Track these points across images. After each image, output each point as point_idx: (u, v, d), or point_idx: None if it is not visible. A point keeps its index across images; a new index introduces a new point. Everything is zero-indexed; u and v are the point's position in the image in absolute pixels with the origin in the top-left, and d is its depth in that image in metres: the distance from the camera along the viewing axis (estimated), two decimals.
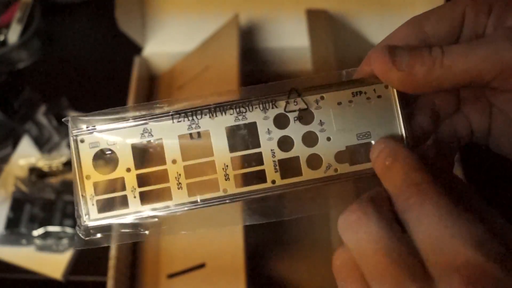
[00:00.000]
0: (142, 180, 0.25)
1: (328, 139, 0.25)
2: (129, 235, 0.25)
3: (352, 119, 0.25)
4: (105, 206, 0.25)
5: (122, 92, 0.68)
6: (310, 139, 0.25)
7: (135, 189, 0.25)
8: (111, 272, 0.52)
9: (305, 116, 0.25)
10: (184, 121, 0.25)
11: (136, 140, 0.25)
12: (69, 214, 0.62)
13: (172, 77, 0.71)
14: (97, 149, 0.25)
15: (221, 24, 0.65)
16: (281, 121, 0.25)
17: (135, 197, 0.25)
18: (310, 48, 0.59)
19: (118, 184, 0.25)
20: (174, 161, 0.25)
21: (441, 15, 0.24)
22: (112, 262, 0.52)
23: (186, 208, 0.25)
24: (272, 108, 0.25)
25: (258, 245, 0.54)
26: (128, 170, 0.25)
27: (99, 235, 0.25)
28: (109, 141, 0.25)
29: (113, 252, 0.53)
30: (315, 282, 0.55)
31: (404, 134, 0.25)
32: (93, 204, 0.25)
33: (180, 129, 0.25)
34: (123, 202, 0.25)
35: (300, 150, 0.25)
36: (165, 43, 0.70)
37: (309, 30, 0.61)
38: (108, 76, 0.76)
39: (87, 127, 0.25)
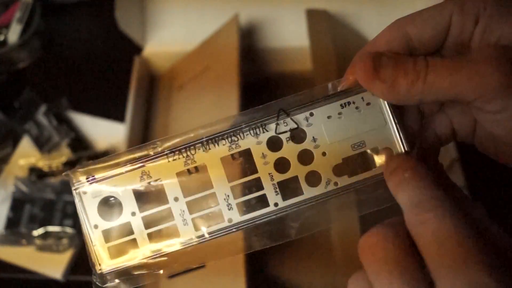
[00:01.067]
0: (148, 221, 0.26)
1: (324, 154, 0.25)
2: (144, 277, 0.26)
3: (344, 131, 0.25)
4: (117, 251, 0.26)
5: (122, 92, 0.68)
6: (305, 157, 0.25)
7: (142, 231, 0.25)
8: None
9: (297, 135, 0.25)
10: (179, 158, 0.25)
11: (136, 184, 0.26)
12: (69, 214, 0.62)
13: (172, 77, 0.71)
14: (100, 198, 0.26)
15: (221, 24, 0.65)
16: (274, 144, 0.25)
17: (144, 238, 0.25)
18: (310, 48, 0.59)
19: (126, 228, 0.26)
20: (176, 199, 0.25)
21: (426, 19, 0.24)
22: None
23: (194, 243, 0.25)
24: (263, 132, 0.25)
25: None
26: (133, 214, 0.26)
27: (116, 281, 0.26)
28: (111, 189, 0.26)
29: None
30: (315, 282, 0.55)
31: (400, 138, 0.25)
32: (104, 252, 0.26)
33: (177, 166, 0.25)
34: (133, 245, 0.26)
35: (297, 170, 0.25)
36: (165, 43, 0.70)
37: (309, 30, 0.61)
38: (108, 76, 0.76)
39: (87, 178, 0.26)
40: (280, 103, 0.25)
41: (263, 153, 0.25)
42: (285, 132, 0.25)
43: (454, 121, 0.26)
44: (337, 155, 0.25)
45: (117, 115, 0.69)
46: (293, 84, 0.71)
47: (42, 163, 0.66)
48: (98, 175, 0.26)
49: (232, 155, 0.25)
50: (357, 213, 0.26)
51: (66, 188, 0.64)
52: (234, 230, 0.25)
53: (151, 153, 0.26)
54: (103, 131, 0.70)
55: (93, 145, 0.69)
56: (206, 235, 0.25)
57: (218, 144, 0.25)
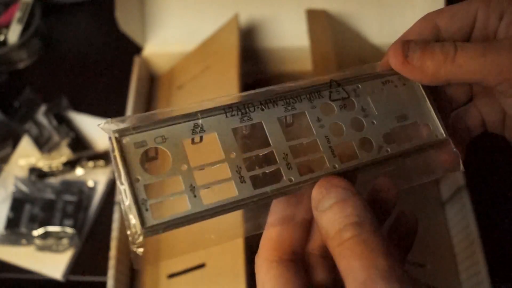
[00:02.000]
0: (199, 177, 0.23)
1: (373, 123, 0.26)
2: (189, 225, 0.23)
3: (388, 104, 0.27)
4: (161, 209, 0.22)
5: (122, 92, 0.68)
6: (357, 124, 0.26)
7: (193, 187, 0.22)
8: (111, 272, 0.52)
9: (348, 104, 0.26)
10: (236, 114, 0.24)
11: (187, 136, 0.23)
12: (69, 214, 0.62)
13: (172, 77, 0.71)
14: (144, 149, 0.22)
15: (221, 24, 0.65)
16: (327, 110, 0.26)
17: (195, 196, 0.22)
18: (310, 48, 0.59)
19: (173, 184, 0.23)
20: (232, 155, 0.23)
21: (454, 13, 0.26)
22: (112, 262, 0.52)
23: (255, 200, 0.23)
24: (318, 98, 0.26)
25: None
26: (184, 168, 0.23)
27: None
28: (158, 139, 0.23)
29: (113, 252, 0.53)
30: None
31: (435, 116, 0.27)
32: (146, 210, 0.22)
33: (233, 122, 0.24)
34: (181, 202, 0.22)
35: (351, 135, 0.26)
36: (165, 43, 0.70)
37: (309, 30, 0.61)
38: (108, 76, 0.76)
39: (130, 128, 0.23)
40: (328, 76, 0.27)
41: (318, 117, 0.25)
42: (338, 100, 0.26)
43: (483, 111, 0.28)
44: (386, 124, 0.26)
45: (117, 115, 0.69)
46: None
47: (42, 163, 0.66)
48: (144, 126, 0.23)
49: (285, 117, 0.25)
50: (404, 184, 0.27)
51: (66, 188, 0.64)
52: (294, 190, 0.24)
53: (206, 107, 0.24)
54: (103, 131, 0.70)
55: (93, 145, 0.69)
56: (269, 192, 0.23)
57: (276, 105, 0.25)
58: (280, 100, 0.25)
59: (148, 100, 0.71)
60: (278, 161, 0.24)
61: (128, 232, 0.21)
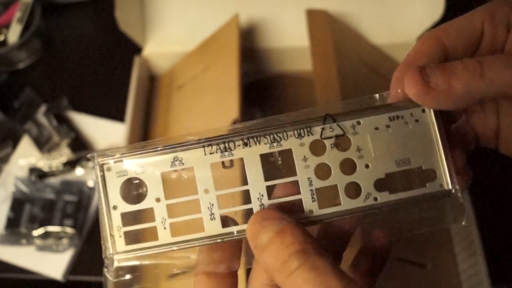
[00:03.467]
0: (172, 211, 0.24)
1: (367, 166, 0.24)
2: (157, 272, 0.25)
3: (390, 145, 0.24)
4: (134, 238, 0.24)
5: (122, 92, 0.68)
6: (347, 167, 0.24)
7: (165, 220, 0.24)
8: None
9: (342, 143, 0.24)
10: (216, 149, 0.24)
11: (166, 168, 0.24)
12: (69, 214, 0.62)
13: (172, 77, 0.71)
14: (124, 178, 0.24)
15: (221, 24, 0.65)
16: (317, 148, 0.24)
17: (165, 228, 0.24)
18: (310, 48, 0.59)
19: (146, 215, 0.24)
20: (206, 191, 0.24)
21: (460, 30, 0.24)
22: None
23: (219, 240, 0.23)
24: (308, 135, 0.24)
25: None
26: (158, 200, 0.24)
27: (128, 276, 0.24)
28: (138, 170, 0.24)
29: None
30: None
31: (444, 162, 0.24)
32: (120, 236, 0.23)
33: (213, 157, 0.24)
34: (152, 233, 0.24)
35: (338, 178, 0.24)
36: (165, 43, 0.70)
37: (309, 30, 0.61)
38: (108, 76, 0.76)
39: (114, 157, 0.24)
40: (325, 108, 0.24)
41: (304, 156, 0.24)
42: (331, 137, 0.24)
43: (477, 125, 0.27)
44: (381, 169, 0.24)
45: (117, 115, 0.69)
46: (293, 84, 0.71)
47: (42, 163, 0.66)
48: (126, 155, 0.24)
49: (271, 153, 0.24)
50: (394, 235, 0.26)
51: (66, 188, 0.64)
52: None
53: (187, 140, 0.24)
54: (103, 131, 0.70)
55: (93, 145, 0.69)
56: (235, 234, 0.23)
57: (259, 141, 0.24)
58: (264, 137, 0.24)
59: (148, 100, 0.71)
60: (252, 202, 0.24)
61: (104, 256, 0.23)
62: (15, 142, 0.70)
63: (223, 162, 0.24)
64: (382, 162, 0.24)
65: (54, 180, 0.65)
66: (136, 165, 0.24)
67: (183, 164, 0.24)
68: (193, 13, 0.70)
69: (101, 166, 0.24)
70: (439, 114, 0.24)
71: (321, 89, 0.55)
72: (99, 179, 0.24)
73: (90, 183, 0.65)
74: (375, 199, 0.24)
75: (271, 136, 0.24)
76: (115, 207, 0.24)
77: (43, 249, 0.60)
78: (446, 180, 0.24)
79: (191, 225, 0.24)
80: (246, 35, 0.68)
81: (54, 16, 0.83)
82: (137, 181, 0.24)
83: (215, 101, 0.59)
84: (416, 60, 0.24)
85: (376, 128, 0.24)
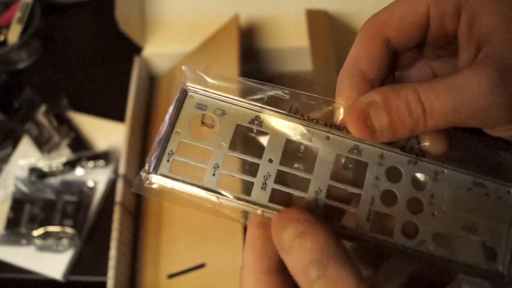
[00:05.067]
0: (229, 162, 0.23)
1: (433, 214, 0.23)
2: (190, 203, 0.23)
3: (464, 207, 0.23)
4: (182, 169, 0.23)
5: (122, 92, 0.68)
6: (415, 206, 0.23)
7: (218, 167, 0.23)
8: (111, 272, 0.52)
9: (419, 182, 0.23)
10: (299, 126, 0.23)
11: (244, 122, 0.23)
12: (69, 214, 0.62)
13: (172, 77, 0.71)
14: (201, 112, 0.24)
15: (221, 24, 0.65)
16: (392, 174, 0.23)
17: (214, 175, 0.23)
18: (310, 48, 0.59)
19: (204, 154, 0.23)
20: (270, 160, 0.23)
21: (401, 19, 0.22)
22: (112, 262, 0.52)
23: (259, 211, 0.23)
24: (391, 158, 0.23)
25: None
26: (221, 146, 0.23)
27: (156, 186, 0.23)
28: (217, 111, 0.23)
29: (113, 252, 0.53)
30: None
31: (509, 248, 0.23)
32: (168, 161, 0.23)
33: (292, 133, 0.23)
34: (199, 174, 0.23)
35: (400, 212, 0.23)
36: (165, 43, 0.70)
37: (309, 30, 0.61)
38: (108, 76, 0.76)
39: (203, 89, 0.23)
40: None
41: (377, 176, 0.23)
42: (410, 172, 0.23)
43: (435, 67, 0.25)
44: (446, 224, 0.23)
45: (117, 115, 0.69)
46: (293, 84, 0.71)
47: (42, 163, 0.66)
48: (214, 93, 0.23)
49: (346, 157, 0.24)
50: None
51: (66, 188, 0.64)
52: None
53: (277, 106, 0.23)
54: (103, 131, 0.70)
55: (93, 145, 0.69)
56: (275, 211, 0.22)
57: (342, 139, 0.23)
58: (350, 139, 0.23)
59: (148, 100, 0.71)
60: (308, 192, 0.23)
61: (146, 166, 0.23)
62: (15, 142, 0.70)
63: (300, 143, 0.23)
64: (450, 219, 0.23)
65: (54, 180, 0.65)
66: (218, 106, 0.24)
67: (261, 126, 0.23)
68: (193, 13, 0.70)
69: (185, 91, 0.24)
70: None
71: (321, 89, 0.55)
72: (178, 100, 0.23)
73: (90, 183, 0.65)
74: (428, 249, 0.23)
75: (356, 143, 0.23)
76: (177, 133, 0.23)
77: (43, 249, 0.60)
78: (504, 265, 0.23)
79: (238, 185, 0.23)
80: (246, 35, 0.68)
81: (54, 16, 0.83)
82: (210, 123, 0.24)
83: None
84: (357, 67, 0.23)
85: (458, 185, 0.23)
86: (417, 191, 0.23)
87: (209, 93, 0.24)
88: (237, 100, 0.24)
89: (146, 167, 0.23)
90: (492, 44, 0.21)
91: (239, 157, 0.23)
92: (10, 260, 0.60)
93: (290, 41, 0.67)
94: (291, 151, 0.24)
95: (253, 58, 0.70)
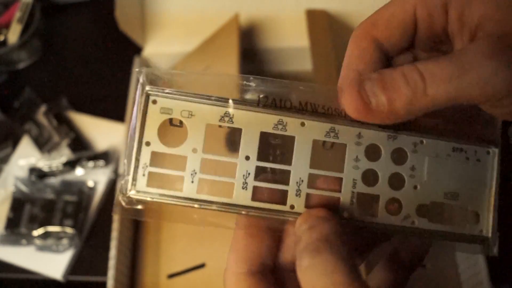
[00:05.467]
0: (205, 166, 0.22)
1: (415, 187, 0.23)
2: (173, 216, 0.23)
3: (445, 175, 0.23)
4: (157, 181, 0.22)
5: (122, 92, 0.68)
6: (396, 181, 0.23)
7: (195, 173, 0.22)
8: (111, 272, 0.52)
9: (398, 155, 0.23)
10: (271, 116, 0.22)
11: (214, 121, 0.22)
12: (69, 214, 0.62)
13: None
14: (167, 117, 0.22)
15: (221, 24, 0.65)
16: (372, 153, 0.23)
17: (192, 182, 0.22)
18: (310, 48, 0.59)
19: (178, 162, 0.22)
20: (247, 158, 0.22)
21: (389, 20, 0.22)
22: (112, 262, 0.52)
23: (243, 212, 0.22)
24: (367, 137, 0.23)
25: None
26: (194, 150, 0.22)
27: (139, 207, 0.22)
28: (184, 113, 0.22)
29: (113, 252, 0.53)
30: None
31: (491, 210, 0.23)
32: (143, 175, 0.22)
33: (265, 125, 0.22)
34: (177, 183, 0.22)
35: (382, 190, 0.23)
36: (165, 43, 0.70)
37: (309, 30, 0.61)
38: (108, 76, 0.76)
39: (163, 90, 0.22)
40: None
41: (357, 156, 0.23)
42: (389, 148, 0.23)
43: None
44: (428, 195, 0.23)
45: (117, 115, 0.69)
46: None
47: (42, 163, 0.66)
48: (177, 92, 0.22)
49: (324, 142, 0.23)
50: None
51: (66, 188, 0.64)
52: (291, 218, 0.22)
53: (246, 97, 0.22)
54: (103, 131, 0.70)
55: (93, 145, 0.69)
56: (261, 209, 0.22)
57: (317, 124, 0.22)
58: (326, 123, 0.22)
59: None
60: (290, 184, 0.22)
61: (122, 184, 0.22)
62: (15, 142, 0.70)
63: (274, 134, 0.22)
64: (432, 189, 0.23)
65: (54, 180, 0.65)
66: (184, 107, 0.22)
67: (233, 122, 0.22)
68: (193, 13, 0.70)
69: (147, 95, 0.22)
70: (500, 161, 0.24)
71: None
72: (140, 108, 0.22)
73: (90, 183, 0.65)
74: (413, 222, 0.23)
75: (331, 124, 0.23)
76: (147, 143, 0.22)
77: (43, 249, 0.60)
78: (487, 228, 0.23)
79: (219, 188, 0.22)
80: (246, 35, 0.68)
81: (54, 16, 0.83)
82: (178, 124, 0.22)
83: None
84: (352, 66, 0.23)
85: (437, 154, 0.23)
86: (397, 166, 0.23)
87: (172, 94, 0.22)
88: (203, 97, 0.22)
89: (122, 187, 0.22)
90: (486, 28, 0.20)
91: (215, 159, 0.22)
92: (10, 260, 0.60)
93: (290, 41, 0.67)
94: (268, 143, 0.23)
95: (253, 58, 0.70)
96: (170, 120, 0.22)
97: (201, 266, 0.51)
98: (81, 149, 0.67)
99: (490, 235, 0.23)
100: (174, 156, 0.22)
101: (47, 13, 0.82)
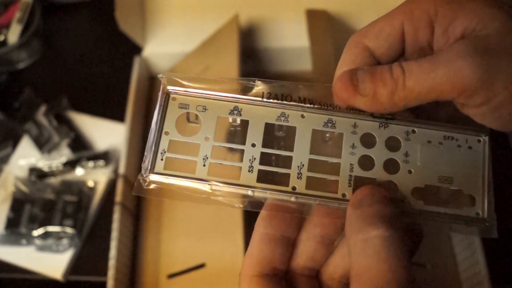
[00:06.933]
0: (216, 152, 0.25)
1: (409, 172, 0.25)
2: (189, 196, 0.25)
3: (438, 160, 0.25)
4: (172, 165, 0.25)
5: (122, 92, 0.68)
6: (391, 167, 0.25)
7: (207, 158, 0.25)
8: (111, 272, 0.52)
9: (392, 143, 0.25)
10: (275, 109, 0.25)
11: (224, 114, 0.26)
12: (69, 214, 0.62)
13: None
14: (185, 111, 0.26)
15: (221, 24, 0.65)
16: (367, 141, 0.25)
17: (204, 165, 0.25)
18: (310, 48, 0.59)
19: (192, 149, 0.26)
20: (253, 145, 0.25)
21: (378, 33, 0.24)
22: (112, 262, 0.52)
23: (249, 192, 0.25)
24: (362, 126, 0.25)
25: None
26: (207, 139, 0.25)
27: (154, 186, 0.25)
28: (199, 107, 0.26)
29: (113, 252, 0.53)
30: None
31: (486, 192, 0.25)
32: (162, 159, 0.25)
33: (269, 116, 0.25)
34: (191, 167, 0.25)
35: (378, 174, 0.25)
36: (165, 43, 0.70)
37: (309, 30, 0.61)
38: (108, 76, 0.76)
39: (182, 89, 0.26)
40: None
41: (353, 144, 0.25)
42: (383, 136, 0.25)
43: None
44: (422, 179, 0.25)
45: (117, 115, 0.69)
46: None
47: (42, 163, 0.66)
48: (193, 90, 0.26)
49: (323, 135, 0.25)
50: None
51: (66, 188, 0.64)
52: (292, 198, 0.24)
53: (253, 93, 0.26)
54: (103, 131, 0.70)
55: (93, 145, 0.69)
56: (265, 192, 0.24)
57: (316, 115, 0.25)
58: (324, 114, 0.25)
59: (148, 100, 0.71)
60: (291, 167, 0.25)
61: (142, 168, 0.25)
62: (15, 142, 0.70)
63: (277, 125, 0.26)
64: (426, 173, 0.25)
65: (54, 180, 0.65)
66: (199, 102, 0.26)
67: (241, 115, 0.26)
68: (193, 13, 0.70)
69: (167, 94, 0.26)
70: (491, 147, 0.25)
71: None
72: (162, 103, 0.26)
73: (90, 183, 0.65)
74: (409, 204, 0.24)
75: (329, 116, 0.25)
76: (166, 133, 0.25)
77: (43, 249, 0.60)
78: (483, 209, 0.25)
79: (228, 172, 0.25)
80: (246, 35, 0.68)
81: (54, 16, 0.83)
82: (195, 120, 0.26)
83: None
84: (345, 68, 0.24)
85: (429, 141, 0.25)
86: (392, 153, 0.25)
87: (189, 92, 0.26)
88: (216, 95, 0.26)
89: (142, 170, 0.25)
90: (468, 36, 0.22)
91: (225, 146, 0.26)
92: (10, 260, 0.60)
93: (290, 41, 0.67)
94: (272, 133, 0.26)
95: (253, 58, 0.70)
96: (188, 117, 0.26)
97: (201, 266, 0.52)
98: (81, 149, 0.67)
99: (486, 216, 0.25)
100: (188, 144, 0.25)
101: (47, 13, 0.82)
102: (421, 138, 0.25)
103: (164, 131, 0.25)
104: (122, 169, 0.59)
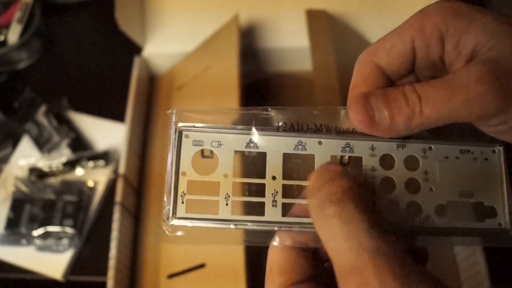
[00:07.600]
0: (237, 189, 0.25)
1: (431, 189, 0.25)
2: (212, 237, 0.25)
3: (456, 175, 0.25)
4: (194, 207, 0.24)
5: (122, 92, 0.68)
6: (412, 186, 0.25)
7: (229, 196, 0.24)
8: (111, 272, 0.52)
9: (411, 162, 0.25)
10: (291, 139, 0.25)
11: (241, 148, 0.25)
12: (69, 214, 0.62)
13: (172, 77, 0.71)
14: (199, 148, 0.25)
15: (221, 24, 0.65)
16: (386, 162, 0.25)
17: (227, 204, 0.24)
18: (310, 48, 0.59)
19: (212, 188, 0.25)
20: (273, 178, 0.24)
21: (389, 50, 0.24)
22: (112, 262, 0.52)
23: (276, 228, 0.24)
24: (380, 148, 0.25)
25: (261, 253, 0.53)
26: (226, 176, 0.24)
27: (180, 233, 0.25)
28: (214, 143, 0.25)
29: (113, 252, 0.53)
30: None
31: (506, 202, 0.25)
32: (182, 202, 0.24)
33: (286, 146, 0.25)
34: (213, 207, 0.24)
35: (401, 195, 0.24)
36: (165, 43, 0.70)
37: (309, 30, 0.61)
38: (108, 76, 0.76)
39: (194, 125, 0.25)
40: None
41: (373, 167, 0.25)
42: (401, 156, 0.25)
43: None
44: (444, 195, 0.24)
45: (117, 115, 0.69)
46: (293, 84, 0.71)
47: (42, 163, 0.66)
48: (206, 126, 0.25)
49: (341, 157, 0.25)
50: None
51: (66, 188, 0.64)
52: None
53: (266, 123, 0.25)
54: (103, 131, 0.70)
55: (93, 145, 0.69)
56: (293, 224, 0.24)
57: (333, 141, 0.25)
58: (341, 139, 0.25)
59: (148, 100, 0.71)
60: None
61: (163, 215, 0.24)
62: (15, 142, 0.70)
63: (295, 154, 0.25)
64: (446, 189, 0.25)
65: (54, 180, 0.65)
66: (213, 138, 0.25)
67: (257, 147, 0.25)
68: (193, 13, 0.70)
69: (180, 132, 0.25)
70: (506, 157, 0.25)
71: (321, 89, 0.55)
72: (175, 143, 0.24)
73: (90, 183, 0.65)
74: (434, 222, 0.24)
75: (346, 140, 0.25)
76: (184, 173, 0.24)
77: (43, 249, 0.60)
78: (505, 219, 0.25)
79: (251, 208, 0.24)
80: (246, 35, 0.68)
81: (54, 16, 0.83)
82: (209, 155, 0.25)
83: (215, 101, 0.59)
84: (357, 89, 0.24)
85: (446, 157, 0.25)
86: (411, 172, 0.25)
87: (202, 128, 0.25)
88: (229, 128, 0.25)
89: (164, 216, 0.24)
90: (479, 54, 0.22)
91: (245, 182, 0.25)
92: (10, 260, 0.60)
93: (290, 41, 0.67)
94: (291, 163, 0.25)
95: (253, 58, 0.70)
96: (202, 152, 0.25)
97: (201, 266, 0.51)
98: (81, 149, 0.67)
99: (508, 227, 0.25)
100: (208, 183, 0.24)
101: (47, 13, 0.82)
102: (438, 155, 0.25)
103: (181, 172, 0.24)
104: (122, 169, 0.59)
